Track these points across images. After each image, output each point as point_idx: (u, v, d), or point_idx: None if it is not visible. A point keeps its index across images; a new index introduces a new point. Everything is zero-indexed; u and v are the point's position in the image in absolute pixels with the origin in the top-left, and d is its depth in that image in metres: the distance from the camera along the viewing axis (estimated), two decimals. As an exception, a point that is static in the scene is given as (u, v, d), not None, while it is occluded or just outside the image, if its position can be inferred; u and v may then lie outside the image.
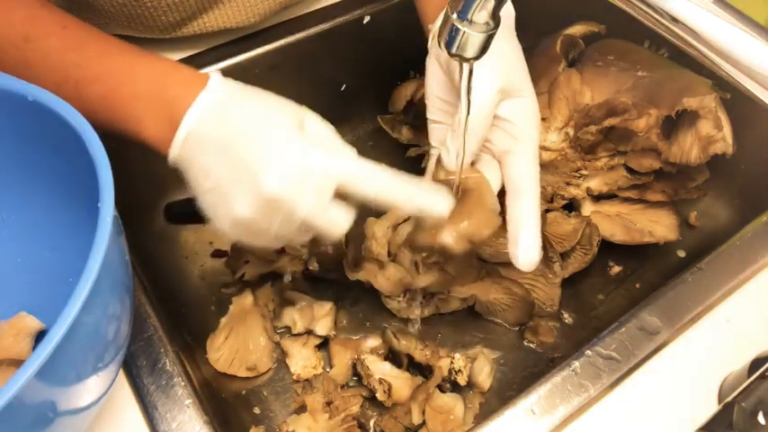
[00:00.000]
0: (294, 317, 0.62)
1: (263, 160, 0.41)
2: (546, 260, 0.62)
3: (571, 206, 0.67)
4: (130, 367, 0.46)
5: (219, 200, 0.43)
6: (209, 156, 0.43)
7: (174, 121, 0.44)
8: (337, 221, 0.43)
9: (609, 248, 0.65)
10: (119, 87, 0.45)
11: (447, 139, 0.52)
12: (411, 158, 0.73)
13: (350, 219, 0.44)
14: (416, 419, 0.55)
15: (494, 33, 0.39)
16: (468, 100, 0.45)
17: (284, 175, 0.41)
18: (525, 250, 0.50)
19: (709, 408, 0.46)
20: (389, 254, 0.62)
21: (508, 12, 0.54)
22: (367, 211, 0.65)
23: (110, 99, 0.45)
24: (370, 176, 0.43)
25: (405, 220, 0.64)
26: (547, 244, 0.62)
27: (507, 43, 0.52)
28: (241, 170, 0.42)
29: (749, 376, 0.43)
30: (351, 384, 0.59)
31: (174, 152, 0.44)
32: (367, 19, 0.73)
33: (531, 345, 0.62)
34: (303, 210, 0.42)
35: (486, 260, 0.63)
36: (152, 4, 0.61)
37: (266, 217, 0.42)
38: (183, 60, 0.66)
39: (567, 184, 0.66)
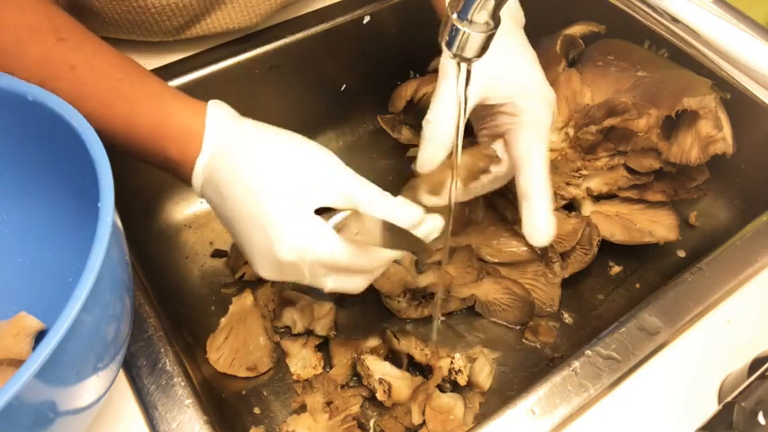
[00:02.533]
0: (294, 317, 0.62)
1: (274, 232, 0.43)
2: (546, 260, 0.62)
3: (571, 206, 0.67)
4: (130, 367, 0.46)
5: (246, 253, 0.47)
6: (224, 212, 0.46)
7: (186, 176, 0.46)
8: (354, 287, 0.47)
9: (609, 248, 0.65)
10: (135, 135, 0.46)
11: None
12: (411, 158, 0.73)
13: (363, 285, 0.47)
14: (416, 419, 0.55)
15: (494, 33, 0.39)
16: (466, 100, 0.45)
17: (297, 244, 0.43)
18: (532, 227, 0.49)
19: (709, 408, 0.46)
20: None
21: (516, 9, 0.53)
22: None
23: (130, 146, 0.47)
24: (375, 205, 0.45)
25: None
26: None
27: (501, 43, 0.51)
28: (255, 240, 0.44)
29: (749, 376, 0.43)
30: (351, 384, 0.59)
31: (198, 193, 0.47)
32: (367, 19, 0.73)
33: (531, 345, 0.62)
34: (328, 260, 0.44)
35: (486, 260, 0.63)
36: (156, 9, 0.61)
37: (294, 271, 0.45)
38: (185, 61, 0.66)
39: (567, 184, 0.66)
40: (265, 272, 0.46)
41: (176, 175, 0.48)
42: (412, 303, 0.62)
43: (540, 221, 0.49)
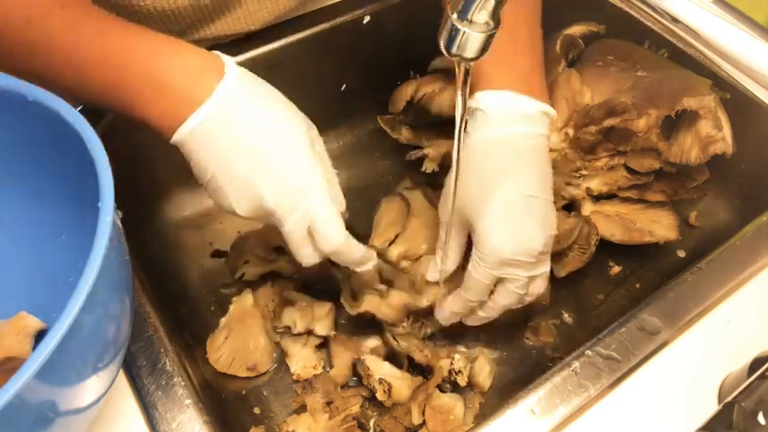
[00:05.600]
0: (294, 317, 0.61)
1: (266, 177, 0.45)
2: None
3: (571, 206, 0.67)
4: (130, 367, 0.46)
5: (219, 192, 0.47)
6: (213, 154, 0.45)
7: (182, 111, 0.44)
8: (305, 255, 0.48)
9: (609, 248, 0.65)
10: (123, 70, 0.45)
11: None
12: (411, 160, 0.73)
13: (317, 259, 0.49)
14: (416, 419, 0.55)
15: (494, 33, 0.39)
16: (465, 102, 0.44)
17: (282, 195, 0.45)
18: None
19: (709, 408, 0.46)
20: (381, 279, 0.61)
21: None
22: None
23: (114, 83, 0.45)
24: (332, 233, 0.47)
25: (391, 243, 0.64)
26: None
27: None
28: (243, 181, 0.45)
29: (749, 376, 0.43)
30: (351, 384, 0.59)
31: (178, 139, 0.45)
32: (367, 19, 0.73)
33: (531, 345, 0.62)
34: (286, 228, 0.47)
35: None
36: (154, 15, 0.60)
37: (256, 216, 0.48)
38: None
39: (567, 184, 0.66)
40: (240, 210, 0.47)
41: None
42: (414, 326, 0.61)
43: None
